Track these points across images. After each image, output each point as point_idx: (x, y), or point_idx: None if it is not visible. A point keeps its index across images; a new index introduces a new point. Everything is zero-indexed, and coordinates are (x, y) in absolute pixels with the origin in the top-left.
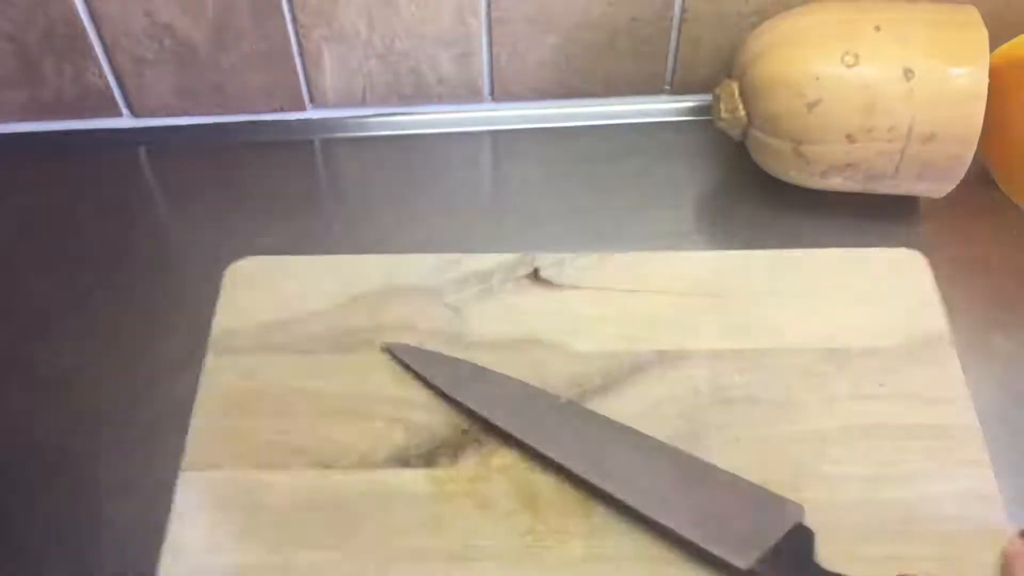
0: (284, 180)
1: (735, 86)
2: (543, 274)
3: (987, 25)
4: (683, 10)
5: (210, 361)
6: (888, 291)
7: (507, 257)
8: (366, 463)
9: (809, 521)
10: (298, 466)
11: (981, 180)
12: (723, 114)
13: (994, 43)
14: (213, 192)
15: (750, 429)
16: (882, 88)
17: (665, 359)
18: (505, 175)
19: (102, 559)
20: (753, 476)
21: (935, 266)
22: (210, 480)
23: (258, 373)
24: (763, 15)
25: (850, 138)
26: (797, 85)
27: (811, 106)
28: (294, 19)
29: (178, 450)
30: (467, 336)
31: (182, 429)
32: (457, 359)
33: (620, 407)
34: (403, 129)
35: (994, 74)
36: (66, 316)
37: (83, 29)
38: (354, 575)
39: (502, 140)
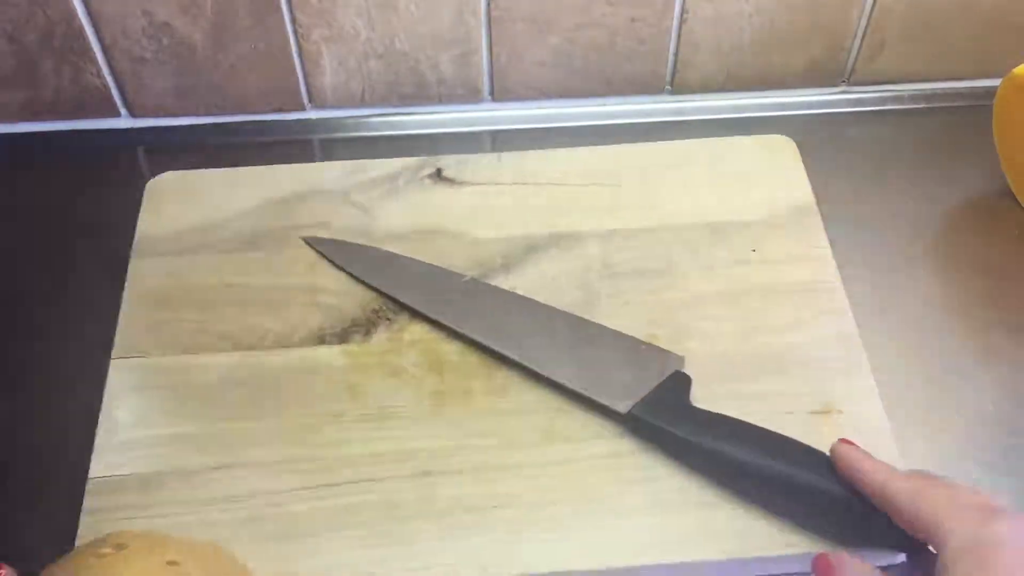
0: None
1: None
2: (445, 173)
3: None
4: (683, 10)
5: (133, 266)
6: (759, 172)
7: (412, 160)
8: (286, 343)
9: (690, 370)
10: (223, 350)
11: (1002, 193)
12: None
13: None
14: None
15: (638, 296)
16: None
17: (560, 240)
18: None
19: None
20: (640, 334)
21: (955, 270)
22: (139, 364)
23: (181, 272)
24: (763, 15)
25: None
26: None
27: None
28: (293, 19)
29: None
30: (376, 231)
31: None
32: (369, 247)
33: (520, 283)
34: (403, 129)
35: (1014, 91)
36: (66, 317)
37: (81, 29)
38: (279, 440)
39: (502, 140)
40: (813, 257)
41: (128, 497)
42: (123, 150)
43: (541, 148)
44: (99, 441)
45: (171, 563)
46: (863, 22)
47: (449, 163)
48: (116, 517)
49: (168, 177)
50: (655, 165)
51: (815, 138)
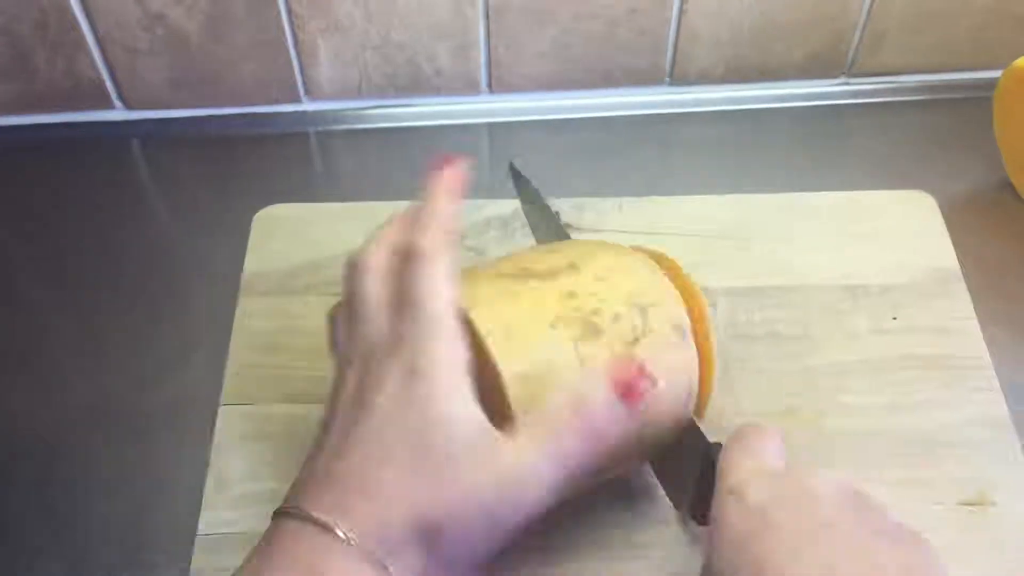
0: (280, 173)
1: None
2: (563, 219)
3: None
4: (683, 1)
5: (242, 304)
6: (899, 231)
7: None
8: None
9: (832, 448)
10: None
11: (1002, 185)
12: None
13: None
14: (208, 185)
15: (773, 363)
16: None
17: None
18: (503, 167)
19: (97, 555)
20: (777, 406)
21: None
22: (245, 414)
23: (289, 314)
24: (763, 5)
25: None
26: None
27: None
28: (289, 9)
29: (173, 447)
30: None
31: (177, 426)
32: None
33: None
34: (400, 121)
35: (1015, 83)
36: (60, 311)
37: (75, 20)
38: None
39: (500, 133)
40: (958, 329)
41: (238, 557)
42: (118, 142)
43: (655, 195)
44: (207, 493)
45: None
46: (864, 13)
47: (566, 207)
48: None
49: (275, 210)
50: (785, 217)
51: (815, 130)
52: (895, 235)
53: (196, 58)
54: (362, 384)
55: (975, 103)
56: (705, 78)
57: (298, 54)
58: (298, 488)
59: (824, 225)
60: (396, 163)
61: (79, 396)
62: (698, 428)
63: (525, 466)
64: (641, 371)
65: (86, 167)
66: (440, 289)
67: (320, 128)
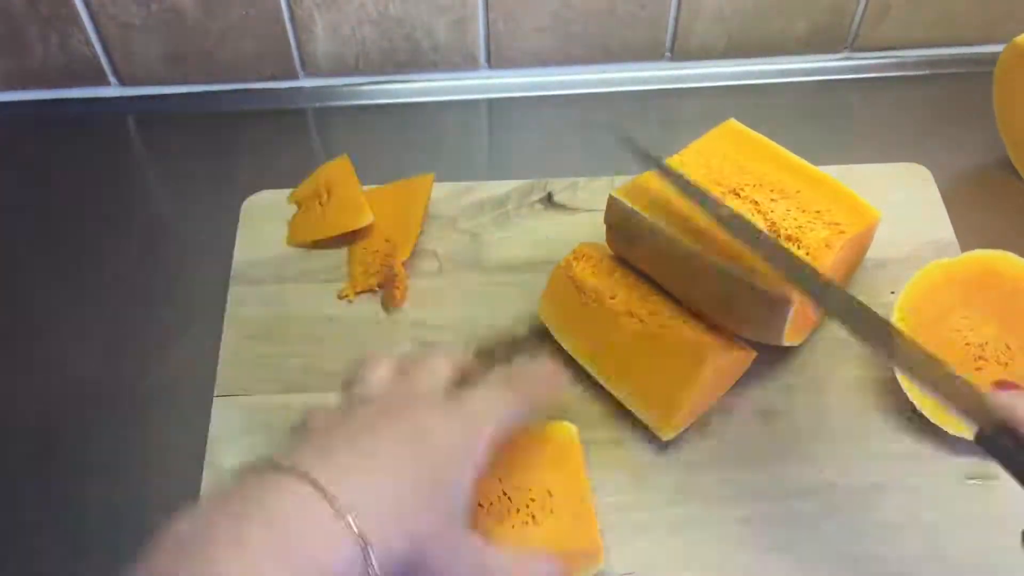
0: (277, 150)
1: None
2: (556, 198)
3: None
4: None
5: (232, 293)
6: (895, 204)
7: (521, 184)
8: None
9: (832, 416)
10: (325, 389)
11: (1001, 161)
12: None
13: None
14: (204, 163)
15: None
16: None
17: None
18: (502, 144)
19: (95, 534)
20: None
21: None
22: (239, 405)
23: (283, 302)
24: None
25: None
26: None
27: None
28: None
29: (170, 426)
30: (487, 260)
31: (173, 406)
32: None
33: None
34: (398, 97)
35: (1015, 60)
36: (55, 288)
37: None
38: None
39: (499, 108)
40: None
41: None
42: (113, 119)
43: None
44: (205, 482)
45: None
46: None
47: (560, 187)
48: None
49: (265, 196)
50: None
51: (817, 105)
52: (891, 208)
53: (191, 34)
54: (414, 397)
55: (977, 78)
56: (706, 53)
57: (294, 29)
58: (305, 454)
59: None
60: (394, 139)
61: (75, 377)
62: None
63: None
64: None
65: (80, 144)
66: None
67: (317, 104)
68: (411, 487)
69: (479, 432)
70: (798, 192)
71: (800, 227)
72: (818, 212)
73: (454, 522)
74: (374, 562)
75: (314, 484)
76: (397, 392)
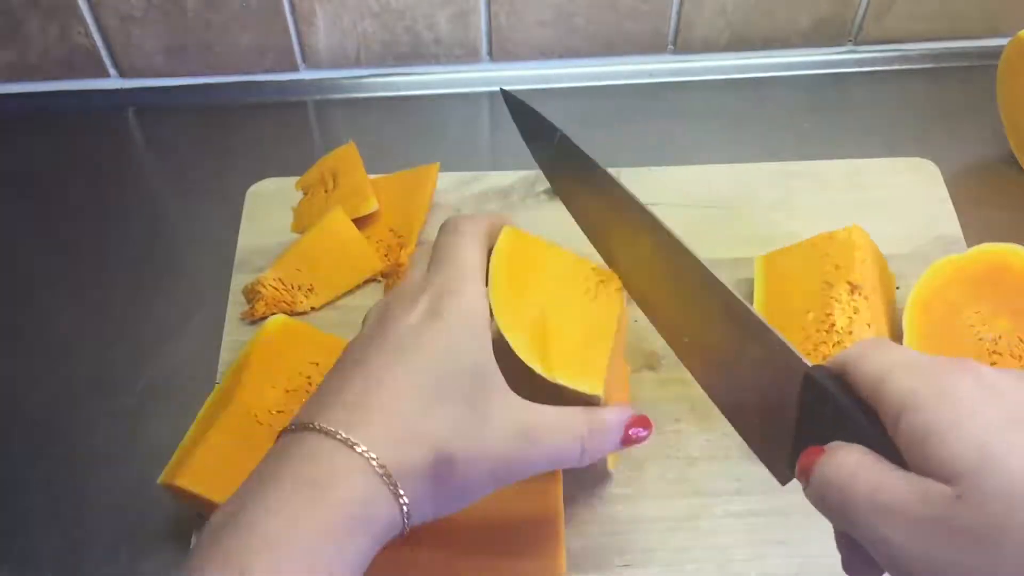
0: (277, 143)
1: None
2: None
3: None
4: None
5: (235, 280)
6: (902, 199)
7: (526, 174)
8: None
9: None
10: None
11: (1005, 154)
12: None
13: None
14: (204, 155)
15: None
16: None
17: None
18: (503, 137)
19: (95, 525)
20: None
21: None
22: None
23: None
24: None
25: None
26: None
27: None
28: None
29: (172, 417)
30: None
31: (177, 395)
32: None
33: (639, 312)
34: (399, 90)
35: (1019, 54)
36: (55, 280)
37: None
38: None
39: (500, 101)
40: None
41: None
42: (113, 111)
43: (658, 164)
44: None
45: None
46: None
47: None
48: None
49: (267, 185)
50: (786, 186)
51: (820, 98)
52: (898, 203)
53: (191, 25)
54: (385, 317)
55: (981, 71)
56: (709, 46)
57: (295, 21)
58: (311, 411)
59: (827, 194)
60: (395, 132)
61: (76, 367)
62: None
63: (543, 431)
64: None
65: (80, 136)
66: (470, 254)
67: (318, 97)
68: (411, 395)
69: (459, 290)
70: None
71: None
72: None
73: (476, 401)
74: (400, 491)
75: (324, 431)
76: (374, 318)
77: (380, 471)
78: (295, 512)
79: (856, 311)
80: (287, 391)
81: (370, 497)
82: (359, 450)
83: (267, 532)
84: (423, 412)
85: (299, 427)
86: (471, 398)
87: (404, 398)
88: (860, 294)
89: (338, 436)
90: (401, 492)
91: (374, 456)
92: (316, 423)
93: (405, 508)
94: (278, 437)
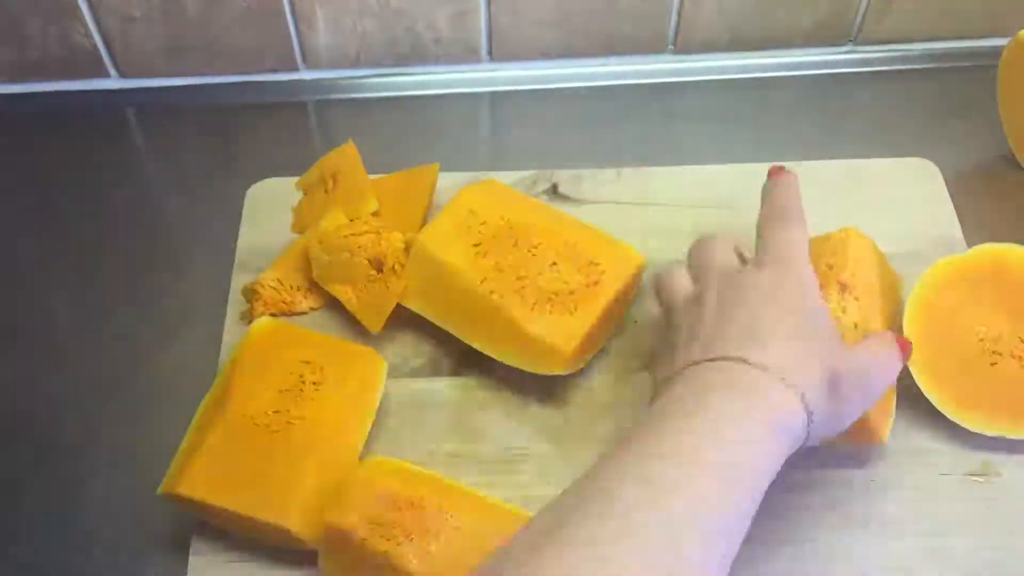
0: (277, 143)
1: None
2: (561, 189)
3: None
4: None
5: (235, 280)
6: (902, 199)
7: (526, 173)
8: (395, 373)
9: None
10: None
11: (1005, 155)
12: None
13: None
14: (204, 155)
15: None
16: None
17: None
18: (504, 137)
19: (97, 525)
20: None
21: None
22: None
23: None
24: None
25: None
26: None
27: None
28: None
29: (173, 419)
30: None
31: (177, 396)
32: None
33: (640, 314)
34: (399, 90)
35: (1019, 54)
36: (55, 281)
37: None
38: None
39: (501, 101)
40: None
41: (237, 539)
42: (113, 111)
43: (658, 165)
44: None
45: None
46: None
47: (565, 178)
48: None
49: (268, 185)
50: None
51: (820, 99)
52: (898, 203)
53: (192, 26)
54: (734, 282)
55: (981, 71)
56: (709, 46)
57: (295, 21)
58: (714, 347)
59: (827, 193)
60: (395, 132)
61: (76, 367)
62: None
63: (873, 346)
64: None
65: (80, 136)
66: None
67: (318, 97)
68: (800, 332)
69: (800, 259)
70: (567, 242)
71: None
72: (592, 263)
73: (835, 333)
74: (811, 412)
75: (748, 362)
76: (730, 272)
77: (794, 386)
78: (739, 410)
79: (844, 311)
80: (281, 391)
81: (791, 407)
82: (776, 371)
83: (717, 425)
84: (809, 343)
85: (711, 360)
86: (830, 330)
87: (799, 340)
88: (851, 294)
89: (751, 361)
90: (808, 404)
91: (784, 376)
92: (733, 355)
93: (812, 419)
94: (680, 371)
